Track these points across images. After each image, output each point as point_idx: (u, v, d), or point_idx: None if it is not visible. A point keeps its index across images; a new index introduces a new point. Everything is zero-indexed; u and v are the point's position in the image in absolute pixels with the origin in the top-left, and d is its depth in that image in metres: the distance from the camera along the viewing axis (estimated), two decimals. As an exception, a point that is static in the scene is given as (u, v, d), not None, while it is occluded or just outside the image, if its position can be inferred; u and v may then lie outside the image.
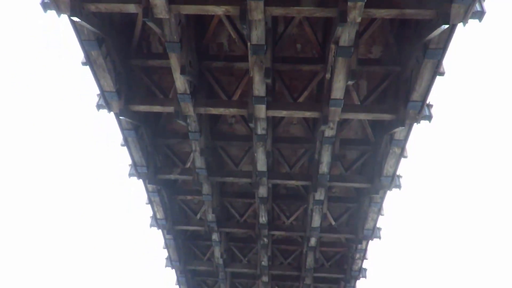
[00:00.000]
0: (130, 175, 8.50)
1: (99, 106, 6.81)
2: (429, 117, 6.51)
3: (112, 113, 6.97)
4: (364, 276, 11.19)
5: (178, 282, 12.00)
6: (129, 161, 8.49)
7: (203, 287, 13.27)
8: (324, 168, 7.72)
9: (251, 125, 6.91)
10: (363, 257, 10.44)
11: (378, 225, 9.58)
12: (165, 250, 11.01)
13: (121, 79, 6.65)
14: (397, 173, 8.12)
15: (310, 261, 10.71)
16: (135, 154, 7.90)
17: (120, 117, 6.97)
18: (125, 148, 7.91)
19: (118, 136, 7.94)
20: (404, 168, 16.17)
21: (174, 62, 5.94)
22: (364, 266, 10.93)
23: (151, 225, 9.99)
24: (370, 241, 9.91)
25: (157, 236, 11.04)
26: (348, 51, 5.29)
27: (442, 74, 5.77)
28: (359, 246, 9.93)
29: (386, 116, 6.61)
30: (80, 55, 6.14)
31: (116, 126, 7.40)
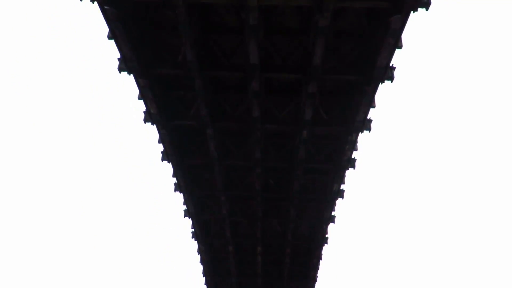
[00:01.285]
0: (120, 69, 8.37)
1: (81, -5, 6.46)
2: (426, 4, 6.28)
3: (96, 3, 6.63)
4: (353, 167, 11.70)
5: (175, 175, 12.50)
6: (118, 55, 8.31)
7: (199, 179, 13.86)
8: (317, 60, 7.63)
9: (243, 15, 6.65)
10: (353, 148, 10.82)
11: (369, 117, 9.77)
12: (161, 145, 11.30)
13: (102, -35, 6.22)
14: (391, 64, 8.07)
15: (301, 153, 11.08)
16: (123, 48, 7.70)
17: (105, 7, 6.65)
18: (112, 42, 7.68)
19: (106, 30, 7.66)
20: (398, 59, 16.00)
21: None
22: (353, 156, 11.38)
23: (145, 120, 10.10)
24: (360, 133, 10.19)
25: (152, 131, 11.25)
26: None
27: (444, -45, 5.44)
28: (349, 137, 10.22)
29: (382, 4, 6.37)
30: None
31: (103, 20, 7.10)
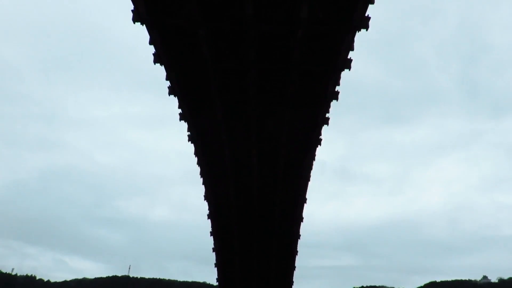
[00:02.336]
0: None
1: None
2: None
3: None
4: (349, 68, 11.53)
5: (168, 78, 12.34)
6: None
7: (193, 83, 13.72)
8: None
9: None
10: (349, 49, 10.57)
11: (367, 14, 9.40)
12: (152, 47, 10.97)
13: None
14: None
15: (296, 54, 10.86)
16: None
17: None
18: None
19: None
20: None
21: None
22: (349, 57, 11.16)
23: (134, 20, 9.69)
24: (357, 32, 9.89)
25: (143, 33, 10.75)
26: None
27: None
28: (346, 37, 9.94)
29: None
30: None
31: None
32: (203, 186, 18.69)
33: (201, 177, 18.15)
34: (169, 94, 13.07)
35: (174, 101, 13.76)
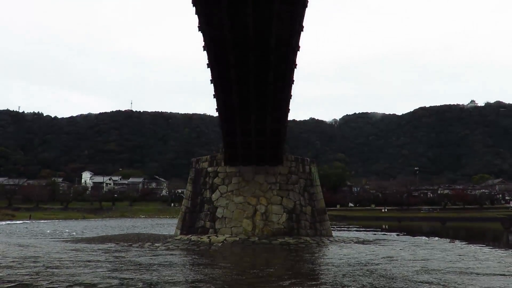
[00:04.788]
0: None
1: None
2: None
3: None
4: None
5: None
6: None
7: None
8: None
9: None
10: None
11: None
12: None
13: None
14: None
15: None
16: None
17: None
18: None
19: None
20: None
21: None
22: None
23: None
24: None
25: None
26: None
27: None
28: None
29: None
30: None
31: None
32: (196, 16, 17.97)
33: (193, 6, 17.30)
34: None
35: None
